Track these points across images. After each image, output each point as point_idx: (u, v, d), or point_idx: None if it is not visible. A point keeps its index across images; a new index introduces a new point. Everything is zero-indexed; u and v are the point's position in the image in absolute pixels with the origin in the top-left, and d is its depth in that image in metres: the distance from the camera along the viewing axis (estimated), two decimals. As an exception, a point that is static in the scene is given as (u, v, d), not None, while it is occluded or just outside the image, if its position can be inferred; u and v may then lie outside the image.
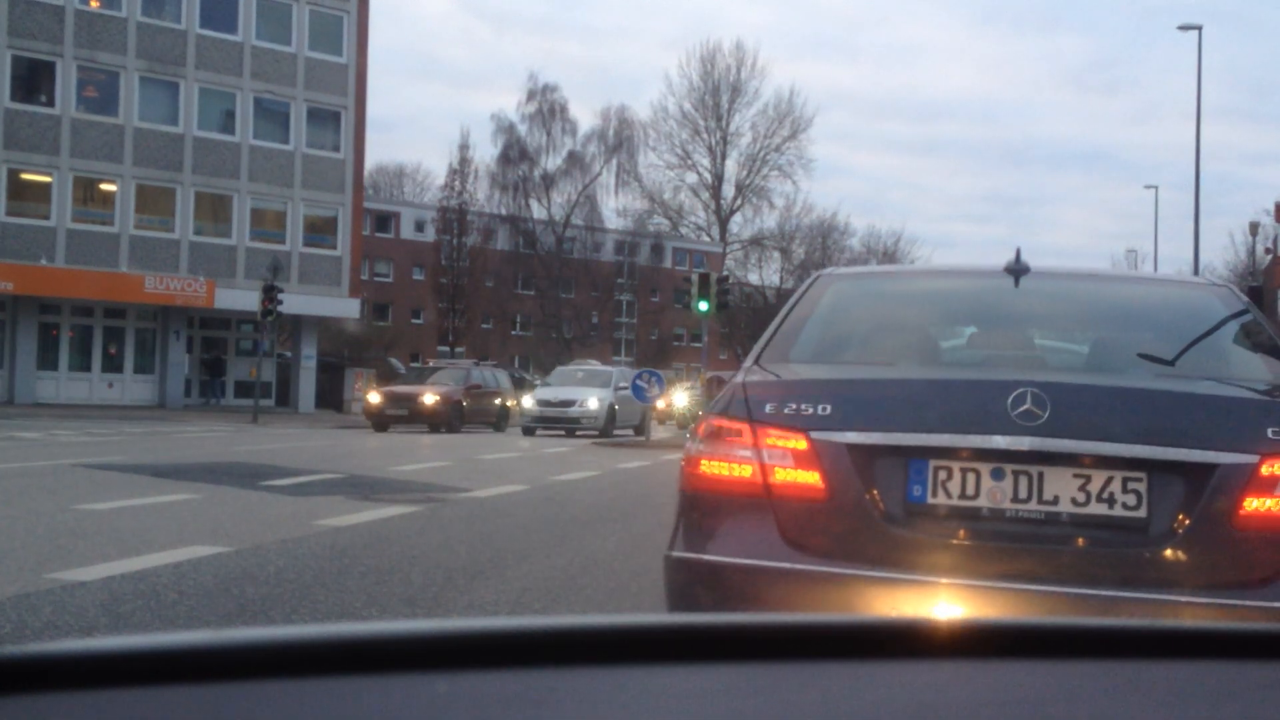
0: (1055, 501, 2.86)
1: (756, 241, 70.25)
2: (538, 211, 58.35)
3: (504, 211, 57.14)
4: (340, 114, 38.53)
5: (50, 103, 33.77)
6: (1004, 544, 2.88)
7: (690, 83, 69.09)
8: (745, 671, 0.98)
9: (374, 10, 40.11)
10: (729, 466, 3.03)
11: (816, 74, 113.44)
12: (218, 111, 36.50)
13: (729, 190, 69.72)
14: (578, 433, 26.06)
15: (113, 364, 35.27)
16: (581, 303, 59.75)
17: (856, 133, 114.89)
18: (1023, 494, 2.87)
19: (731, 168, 69.48)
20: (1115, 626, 1.16)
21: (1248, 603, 2.77)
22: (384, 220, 66.65)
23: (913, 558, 2.89)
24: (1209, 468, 2.80)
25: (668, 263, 66.74)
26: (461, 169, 55.64)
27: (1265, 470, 2.78)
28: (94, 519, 8.33)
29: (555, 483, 13.03)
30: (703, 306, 25.75)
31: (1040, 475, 2.86)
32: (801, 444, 2.96)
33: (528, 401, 27.04)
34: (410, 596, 5.85)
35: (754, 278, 70.88)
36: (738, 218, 70.16)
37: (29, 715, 0.85)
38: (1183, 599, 2.78)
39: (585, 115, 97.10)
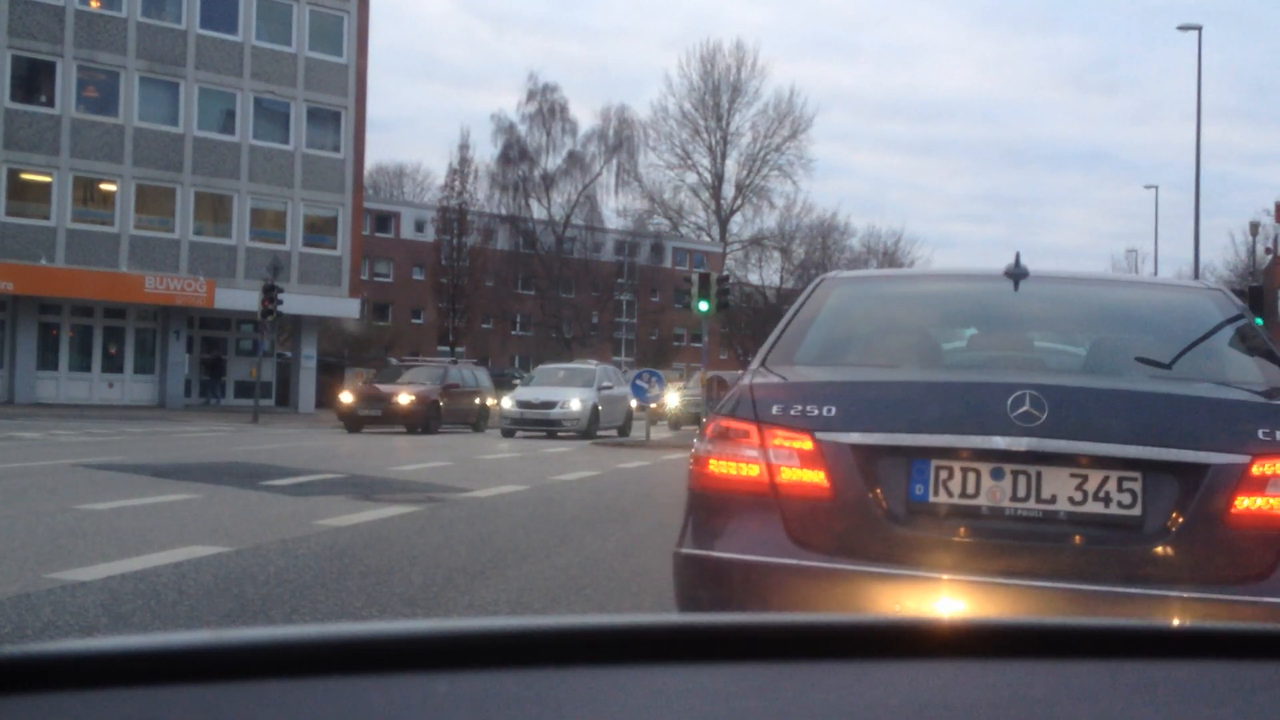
0: (1053, 500, 2.94)
1: (756, 241, 70.26)
2: (538, 211, 58.37)
3: (504, 211, 57.13)
4: (340, 114, 38.53)
5: (50, 103, 33.77)
6: (1003, 541, 2.96)
7: (690, 83, 69.15)
8: (745, 671, 0.98)
9: (374, 10, 40.14)
10: (736, 466, 3.12)
11: (816, 74, 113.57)
12: (218, 111, 36.50)
13: (729, 190, 69.77)
14: (559, 434, 25.02)
15: (113, 364, 35.27)
16: (581, 303, 59.73)
17: (856, 133, 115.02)
18: (1021, 493, 2.95)
19: (731, 168, 69.54)
20: (1115, 626, 1.16)
21: (1240, 598, 2.84)
22: (384, 220, 66.66)
23: (915, 555, 2.97)
24: (1202, 468, 2.88)
25: (668, 263, 66.75)
26: (461, 169, 55.64)
27: (1256, 470, 2.86)
28: (94, 519, 8.33)
29: (555, 483, 13.03)
30: (703, 306, 25.74)
31: (1038, 475, 2.95)
32: (807, 444, 3.05)
33: (507, 402, 25.86)
34: (410, 596, 5.85)
35: (754, 278, 70.91)
36: (738, 218, 70.21)
37: (29, 715, 0.85)
38: (1177, 595, 2.85)
39: (585, 115, 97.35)
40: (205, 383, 37.39)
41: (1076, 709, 0.95)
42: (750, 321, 69.81)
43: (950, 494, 2.98)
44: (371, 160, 74.13)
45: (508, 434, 25.03)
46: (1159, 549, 2.89)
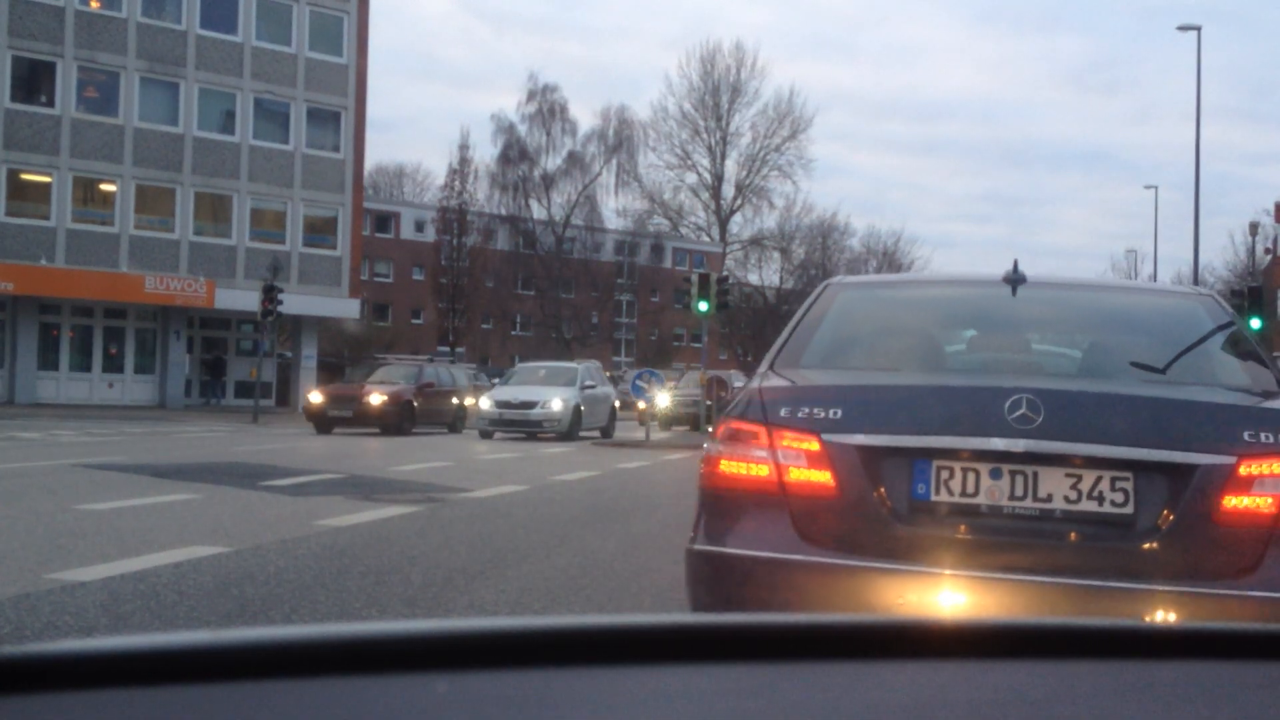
0: (1049, 499, 3.08)
1: (756, 241, 70.26)
2: (538, 211, 58.38)
3: (504, 211, 57.13)
4: (340, 114, 38.53)
5: (50, 103, 33.77)
6: (1002, 538, 3.09)
7: (690, 83, 69.15)
8: (745, 672, 0.98)
9: (374, 10, 40.15)
10: (747, 466, 3.26)
11: (816, 74, 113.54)
12: (218, 112, 36.50)
13: (729, 190, 69.77)
14: (539, 436, 23.91)
15: (113, 364, 35.27)
16: (581, 303, 59.73)
17: (856, 133, 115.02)
18: (1019, 492, 3.09)
19: (731, 168, 69.56)
20: (1115, 627, 1.16)
21: (1227, 592, 2.97)
22: (384, 220, 66.67)
23: (917, 551, 3.10)
24: (1191, 468, 3.02)
25: (668, 263, 66.76)
26: (461, 169, 55.66)
27: (1243, 470, 3.00)
28: (94, 519, 8.33)
29: (555, 483, 13.03)
30: (703, 306, 25.74)
31: (1035, 475, 3.09)
32: (814, 445, 3.19)
33: (485, 402, 24.56)
34: (410, 597, 5.85)
35: (754, 278, 70.91)
36: (738, 218, 70.22)
37: (29, 715, 0.85)
38: (1167, 589, 2.98)
39: (585, 115, 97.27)
40: (205, 383, 37.39)
41: (1076, 709, 0.95)
42: (750, 321, 69.81)
43: (951, 493, 3.12)
44: (371, 160, 74.17)
45: (486, 435, 24.06)
46: (1150, 545, 3.01)
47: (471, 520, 9.22)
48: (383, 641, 0.99)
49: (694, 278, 26.74)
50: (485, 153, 66.85)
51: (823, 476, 3.17)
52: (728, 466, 3.30)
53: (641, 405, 32.82)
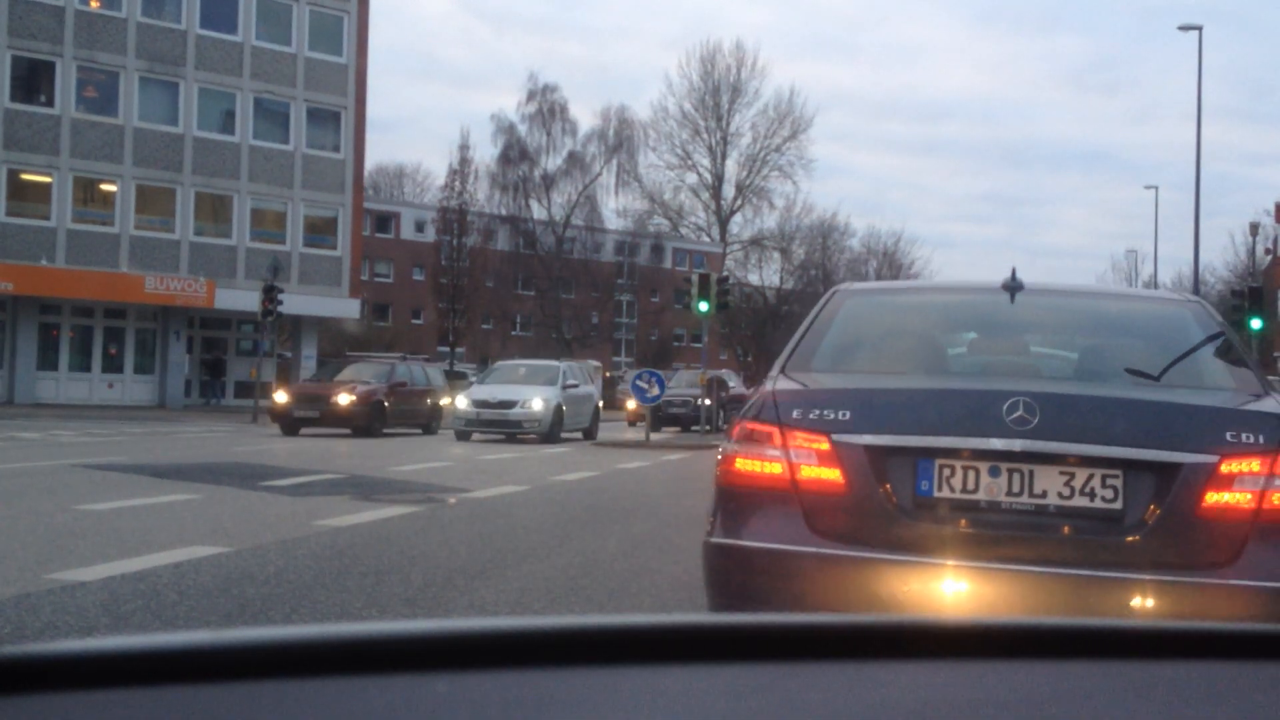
0: (1044, 495, 3.29)
1: (756, 242, 70.23)
2: (538, 212, 58.34)
3: (504, 212, 57.09)
4: (340, 114, 38.53)
5: (50, 103, 33.77)
6: (1000, 532, 3.30)
7: (690, 83, 69.12)
8: (745, 672, 0.98)
9: (374, 10, 40.15)
10: (761, 464, 3.47)
11: (816, 74, 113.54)
12: (218, 112, 36.50)
13: (729, 190, 69.74)
14: (519, 437, 22.72)
15: (113, 364, 35.26)
16: (582, 303, 59.71)
17: (856, 133, 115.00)
18: (1016, 489, 3.30)
19: (731, 168, 69.52)
20: (1115, 627, 1.16)
21: (1209, 581, 3.19)
22: (384, 220, 66.67)
23: (921, 543, 3.30)
24: (1176, 466, 3.23)
25: (668, 263, 66.76)
26: (461, 169, 55.61)
27: (1224, 469, 3.21)
28: (94, 519, 8.33)
29: (555, 483, 13.03)
30: (703, 307, 25.74)
31: (1031, 473, 3.29)
32: (824, 445, 3.40)
33: (462, 402, 23.22)
34: (410, 597, 5.85)
35: (754, 278, 70.87)
36: (738, 218, 70.19)
37: (29, 715, 0.85)
38: (1153, 578, 3.20)
39: (585, 115, 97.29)
40: (205, 383, 37.38)
41: (1077, 709, 0.95)
42: (750, 322, 69.79)
43: (952, 489, 3.32)
44: (371, 160, 74.20)
45: (462, 436, 22.75)
46: (1138, 538, 3.22)
47: (472, 520, 9.22)
48: (383, 641, 0.99)
49: (694, 278, 26.73)
50: (485, 153, 66.88)
51: (832, 474, 3.37)
52: (743, 465, 3.49)
53: (631, 405, 32.53)
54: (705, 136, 69.12)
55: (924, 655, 1.03)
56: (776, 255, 70.78)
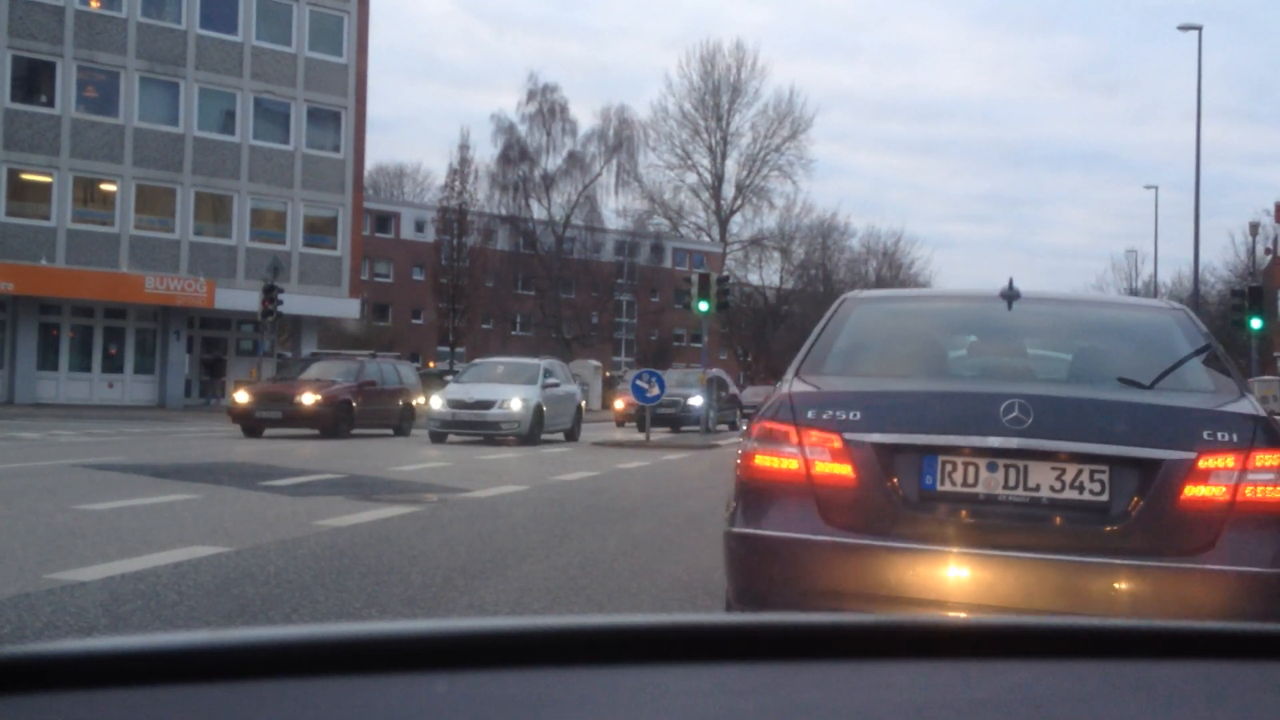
0: (1037, 489, 3.58)
1: (756, 242, 70.26)
2: (538, 212, 58.33)
3: (504, 212, 57.08)
4: (340, 114, 38.53)
5: (50, 103, 33.77)
6: (997, 522, 3.59)
7: (690, 83, 69.17)
8: (744, 671, 0.98)
9: (374, 10, 40.15)
10: (778, 460, 3.75)
11: (816, 74, 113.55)
12: (218, 112, 36.50)
13: (729, 190, 69.78)
14: (497, 439, 21.57)
15: (113, 364, 35.26)
16: (581, 303, 59.70)
17: (856, 133, 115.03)
18: (1012, 483, 3.59)
19: (731, 168, 69.56)
20: (1115, 627, 1.16)
21: (1186, 566, 3.50)
22: (384, 220, 66.66)
23: (925, 532, 3.59)
24: (1157, 462, 3.52)
25: (668, 263, 66.75)
26: (461, 169, 55.59)
27: (1201, 465, 3.51)
28: (94, 519, 8.33)
29: (555, 483, 13.03)
30: (703, 307, 25.72)
31: (1025, 468, 3.58)
32: (836, 443, 3.68)
33: (436, 402, 22.11)
34: (410, 597, 5.85)
35: (754, 278, 70.94)
36: (738, 218, 70.21)
37: (29, 715, 0.85)
38: (1136, 563, 3.49)
39: (585, 115, 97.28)
40: (205, 383, 37.37)
41: (1076, 709, 0.95)
42: (750, 322, 69.81)
43: (954, 484, 3.61)
44: (371, 160, 74.18)
45: (437, 438, 21.64)
46: (1122, 527, 3.51)
47: (472, 520, 9.22)
48: (382, 641, 0.99)
49: (694, 278, 26.70)
50: (485, 153, 66.88)
51: (844, 469, 3.66)
52: (762, 460, 3.77)
53: (619, 406, 32.19)
54: (705, 136, 69.20)
55: (923, 655, 1.03)
56: (776, 255, 70.86)
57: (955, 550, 3.56)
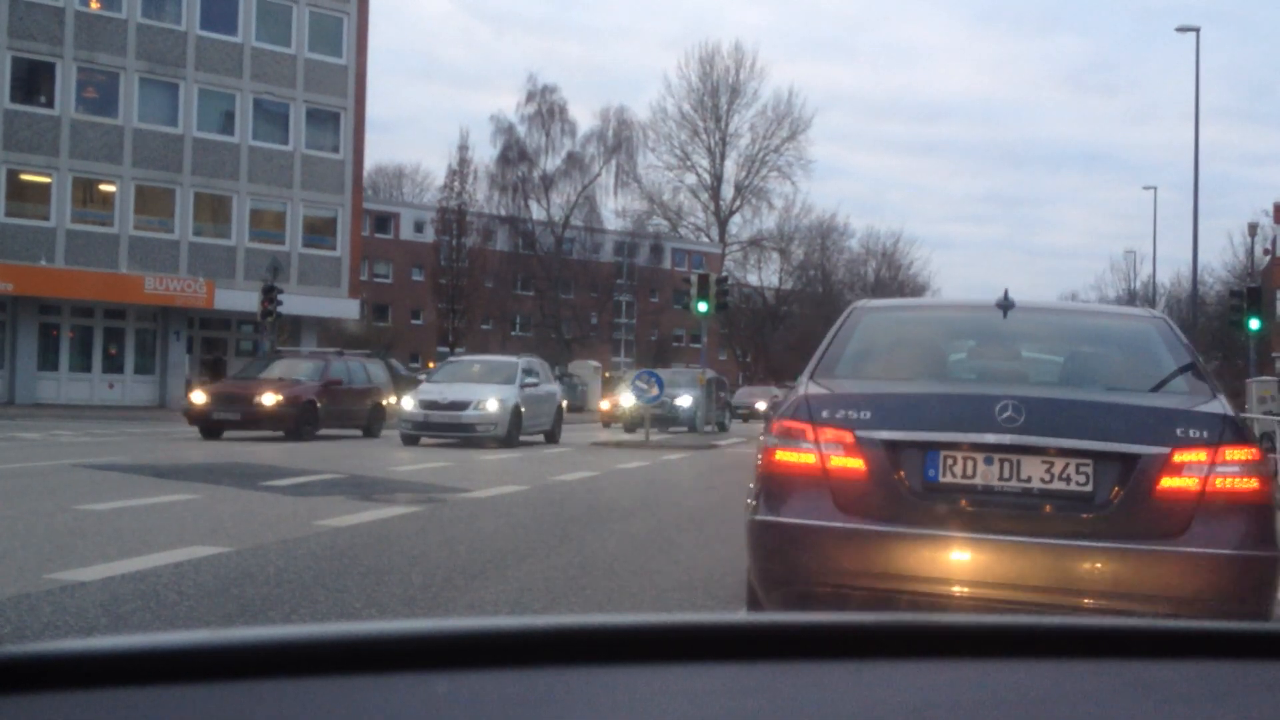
0: (1029, 480, 3.96)
1: (756, 242, 70.25)
2: (537, 212, 58.33)
3: (503, 212, 57.08)
4: (340, 115, 38.52)
5: (50, 104, 33.76)
6: (993, 510, 3.97)
7: (689, 84, 69.16)
8: (745, 671, 0.98)
9: (373, 11, 40.15)
10: (797, 455, 4.14)
11: (815, 75, 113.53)
12: (217, 112, 36.49)
13: (728, 191, 69.79)
14: (474, 441, 20.37)
15: (113, 364, 35.25)
16: (581, 303, 59.70)
17: (855, 133, 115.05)
18: (1006, 475, 3.98)
19: (730, 168, 69.56)
20: (1114, 626, 1.16)
21: (1161, 548, 3.88)
22: (383, 221, 66.65)
23: (929, 520, 3.98)
24: (1136, 456, 3.92)
25: (667, 263, 66.75)
26: (461, 170, 55.63)
27: (1175, 459, 3.91)
28: (94, 519, 8.32)
29: (555, 483, 13.03)
30: (702, 307, 25.72)
31: (1019, 462, 3.97)
32: (849, 439, 4.07)
33: (408, 403, 20.87)
34: (410, 597, 5.85)
35: (753, 278, 70.94)
36: (737, 218, 70.21)
37: (29, 715, 0.85)
38: (1116, 546, 3.87)
39: (584, 116, 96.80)
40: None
41: (1075, 708, 0.95)
42: (749, 322, 69.80)
43: (954, 476, 4.00)
44: (371, 161, 74.10)
45: (410, 440, 20.45)
46: (1105, 514, 3.90)
47: (471, 520, 9.22)
48: (383, 641, 0.99)
49: (693, 278, 26.69)
50: (484, 153, 66.96)
51: (856, 463, 4.05)
52: (782, 455, 4.16)
53: (604, 406, 31.86)
54: (704, 137, 69.19)
55: (923, 654, 1.03)
56: (775, 256, 70.87)
57: (956, 535, 3.95)
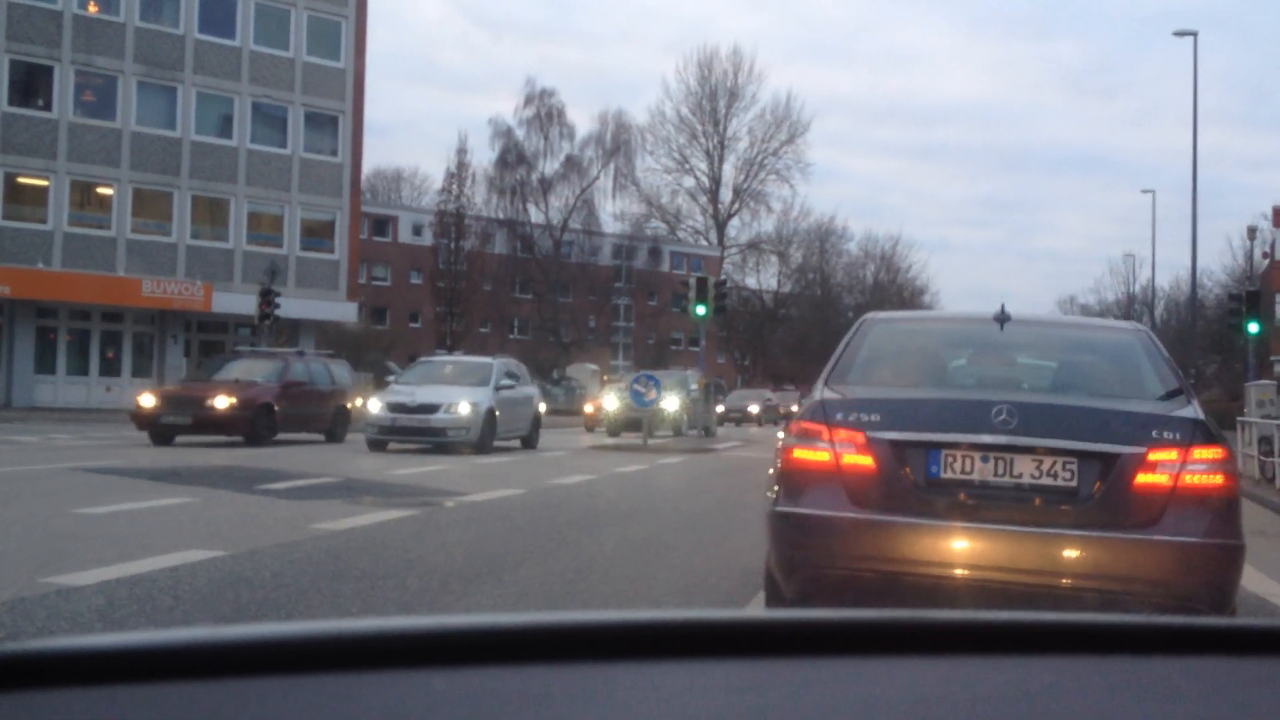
0: (1021, 476, 4.42)
1: (754, 245, 70.31)
2: (535, 215, 58.34)
3: (501, 215, 57.09)
4: (338, 118, 38.52)
5: (48, 107, 33.74)
6: (989, 502, 4.41)
7: (687, 87, 69.25)
8: (744, 667, 0.98)
9: (372, 15, 40.16)
10: (813, 453, 4.58)
11: (813, 79, 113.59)
12: (215, 116, 36.48)
13: (726, 194, 69.87)
14: (446, 447, 19.08)
15: (110, 368, 35.21)
16: (579, 306, 59.70)
17: (853, 137, 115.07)
18: (1000, 471, 4.43)
19: (729, 172, 69.65)
20: (1113, 623, 1.16)
21: (1137, 536, 4.33)
22: (381, 224, 66.61)
23: (932, 511, 4.42)
24: (1115, 455, 4.37)
25: (665, 266, 66.76)
26: (459, 173, 55.59)
27: (1150, 457, 4.36)
28: (91, 523, 8.31)
29: (552, 487, 13.01)
30: (700, 310, 25.73)
31: (1012, 460, 4.42)
32: (860, 439, 4.51)
33: (375, 405, 19.58)
34: (406, 602, 5.84)
35: (751, 281, 70.95)
36: (735, 222, 70.29)
37: (29, 712, 0.85)
38: (1097, 535, 4.34)
39: (583, 120, 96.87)
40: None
41: (1075, 704, 0.95)
42: (748, 325, 69.81)
43: (954, 472, 4.45)
44: (369, 164, 73.93)
45: (376, 446, 19.12)
46: (1087, 506, 4.35)
47: (468, 524, 9.21)
48: (380, 638, 0.99)
49: (692, 281, 26.70)
50: (483, 157, 66.97)
51: (866, 460, 4.49)
52: (800, 453, 4.62)
53: (588, 410, 31.52)
54: (702, 141, 69.28)
55: (921, 651, 1.03)
56: (774, 259, 70.92)
57: (956, 525, 4.39)
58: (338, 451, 18.81)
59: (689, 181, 69.94)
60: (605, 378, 47.27)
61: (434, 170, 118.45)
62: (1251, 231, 53.63)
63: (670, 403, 27.60)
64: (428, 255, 58.37)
